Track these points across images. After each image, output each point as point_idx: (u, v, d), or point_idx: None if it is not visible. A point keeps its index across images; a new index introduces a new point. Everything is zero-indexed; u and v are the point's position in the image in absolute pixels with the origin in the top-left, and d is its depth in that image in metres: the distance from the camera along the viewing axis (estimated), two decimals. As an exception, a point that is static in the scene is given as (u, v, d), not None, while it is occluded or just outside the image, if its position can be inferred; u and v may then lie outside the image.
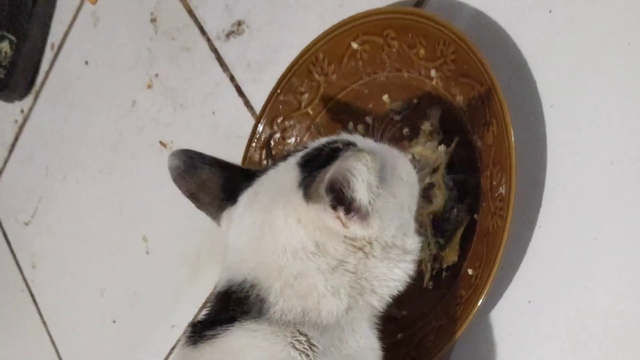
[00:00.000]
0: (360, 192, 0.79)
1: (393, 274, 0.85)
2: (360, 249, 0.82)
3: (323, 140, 0.88)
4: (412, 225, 0.87)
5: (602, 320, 0.89)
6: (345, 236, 0.81)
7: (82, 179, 1.61)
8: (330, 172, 0.76)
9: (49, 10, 1.68)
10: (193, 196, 0.93)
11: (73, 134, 1.63)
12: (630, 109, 0.90)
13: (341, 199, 0.79)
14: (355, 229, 0.80)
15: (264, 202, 0.84)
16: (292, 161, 0.86)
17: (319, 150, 0.85)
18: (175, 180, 0.92)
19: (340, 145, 0.84)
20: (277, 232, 0.82)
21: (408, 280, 0.87)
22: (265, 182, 0.87)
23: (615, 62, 0.92)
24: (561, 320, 0.92)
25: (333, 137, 0.88)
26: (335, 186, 0.78)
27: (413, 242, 0.86)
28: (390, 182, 0.84)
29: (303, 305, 0.82)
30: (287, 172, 0.85)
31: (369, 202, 0.80)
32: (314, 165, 0.83)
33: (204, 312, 0.87)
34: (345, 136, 0.88)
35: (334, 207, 0.79)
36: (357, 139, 0.88)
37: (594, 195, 0.91)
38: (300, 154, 0.87)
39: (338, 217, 0.79)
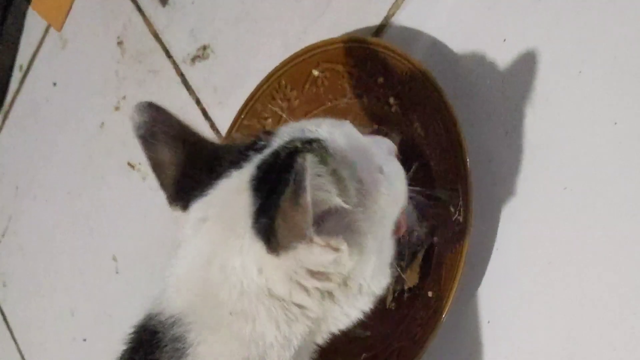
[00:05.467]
0: (334, 198, 0.70)
1: (350, 315, 0.78)
2: (330, 293, 0.74)
3: (284, 133, 0.77)
4: (391, 254, 0.81)
5: (560, 340, 0.92)
6: (321, 274, 0.72)
7: (52, 199, 1.61)
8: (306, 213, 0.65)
9: (16, 32, 1.69)
10: (155, 166, 0.80)
11: (42, 155, 1.64)
12: (582, 135, 0.93)
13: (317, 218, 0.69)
14: (344, 252, 0.71)
15: (213, 235, 0.74)
16: (245, 176, 0.74)
17: (275, 157, 0.73)
18: (141, 140, 0.79)
19: (299, 145, 0.72)
20: (229, 274, 0.72)
21: (360, 318, 0.80)
22: (215, 203, 0.75)
23: (569, 89, 0.94)
24: (519, 340, 0.95)
25: (295, 130, 0.77)
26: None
27: (385, 282, 0.79)
28: (370, 187, 0.75)
29: (242, 353, 0.72)
30: (238, 195, 0.73)
31: (348, 204, 0.71)
32: (267, 187, 0.70)
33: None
34: (312, 124, 0.77)
35: (319, 234, 0.69)
36: (323, 129, 0.76)
37: (548, 219, 0.94)
38: (255, 160, 0.75)
39: (327, 244, 0.70)
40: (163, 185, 0.80)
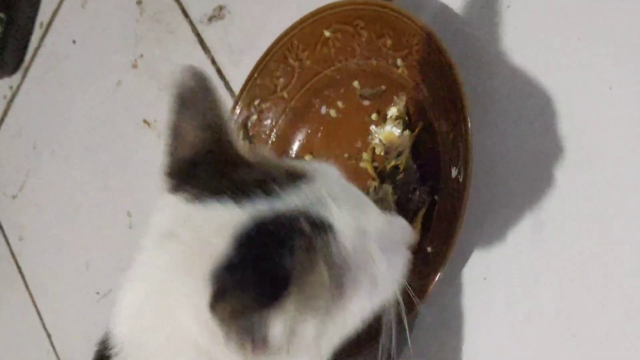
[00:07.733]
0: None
1: None
2: None
3: (302, 192, 0.68)
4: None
5: (555, 296, 0.95)
6: None
7: (69, 155, 1.64)
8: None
9: (38, -11, 1.72)
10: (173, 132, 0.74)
11: (60, 111, 1.66)
12: (579, 103, 0.96)
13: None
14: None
15: (170, 261, 0.68)
16: (238, 218, 0.66)
17: (274, 224, 0.65)
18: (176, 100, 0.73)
19: (305, 227, 0.65)
20: (165, 312, 0.68)
21: None
22: (192, 223, 0.68)
23: (570, 57, 0.97)
24: (515, 297, 0.98)
25: (314, 194, 0.68)
26: None
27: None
28: (345, 298, 0.68)
29: None
30: (219, 232, 0.65)
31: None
32: (250, 252, 0.64)
33: None
34: (336, 198, 0.69)
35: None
36: (343, 215, 0.68)
37: (546, 180, 0.97)
38: (258, 206, 0.66)
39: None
40: (169, 154, 0.75)
